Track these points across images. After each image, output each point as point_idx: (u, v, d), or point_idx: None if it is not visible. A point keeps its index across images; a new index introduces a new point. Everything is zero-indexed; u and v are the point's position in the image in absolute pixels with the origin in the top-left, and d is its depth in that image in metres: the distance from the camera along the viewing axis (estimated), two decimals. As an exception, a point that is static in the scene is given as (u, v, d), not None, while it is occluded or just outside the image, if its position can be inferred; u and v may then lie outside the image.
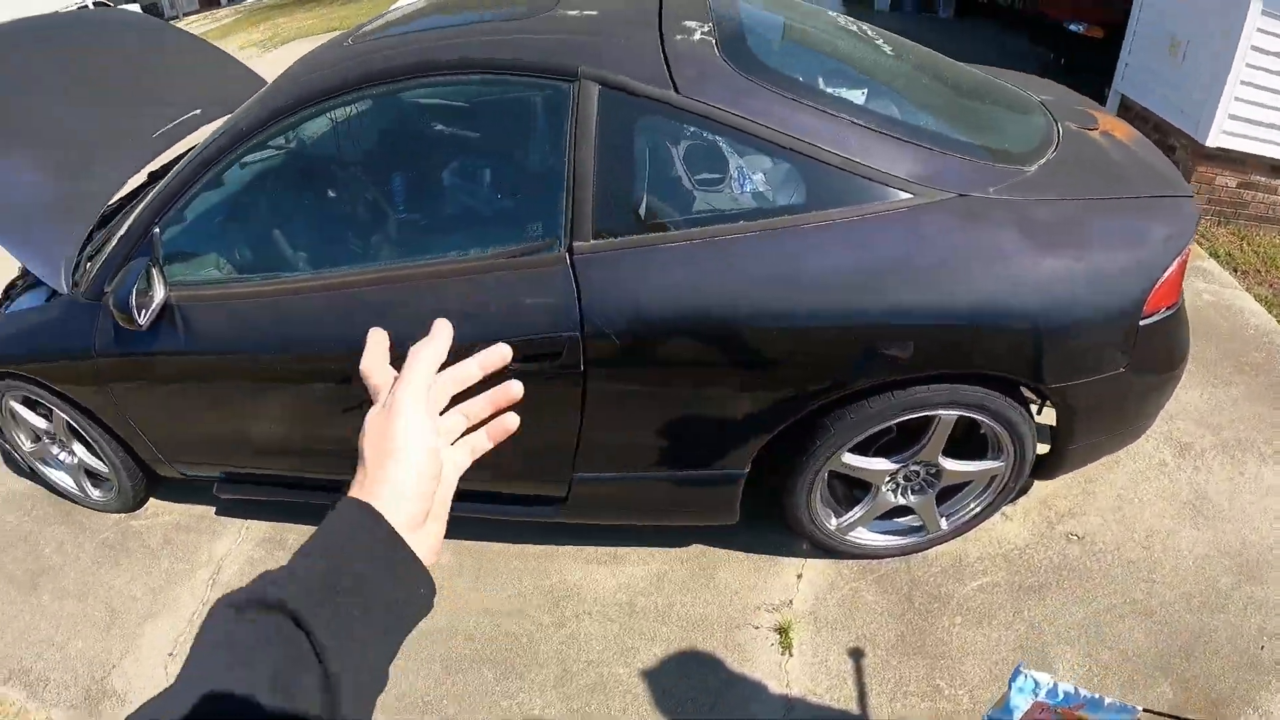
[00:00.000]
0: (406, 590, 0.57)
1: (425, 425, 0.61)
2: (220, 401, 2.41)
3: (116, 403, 2.49)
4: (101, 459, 2.77)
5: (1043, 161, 2.19)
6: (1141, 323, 2.05)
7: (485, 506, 2.36)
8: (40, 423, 2.81)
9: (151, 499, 3.03)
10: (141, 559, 2.82)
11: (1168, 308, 2.14)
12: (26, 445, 2.95)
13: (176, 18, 23.95)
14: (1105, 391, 2.13)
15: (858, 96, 2.20)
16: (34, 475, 3.14)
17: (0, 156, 2.61)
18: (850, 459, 2.16)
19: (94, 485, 2.97)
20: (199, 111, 3.08)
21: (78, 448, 2.84)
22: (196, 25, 19.50)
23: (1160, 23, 4.55)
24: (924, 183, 1.96)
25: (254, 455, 2.54)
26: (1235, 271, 3.97)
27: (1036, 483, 2.62)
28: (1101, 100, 5.15)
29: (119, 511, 3.00)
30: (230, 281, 2.29)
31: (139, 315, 2.12)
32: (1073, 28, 6.51)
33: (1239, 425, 3.01)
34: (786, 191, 1.99)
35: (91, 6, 19.73)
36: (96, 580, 2.78)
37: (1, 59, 2.93)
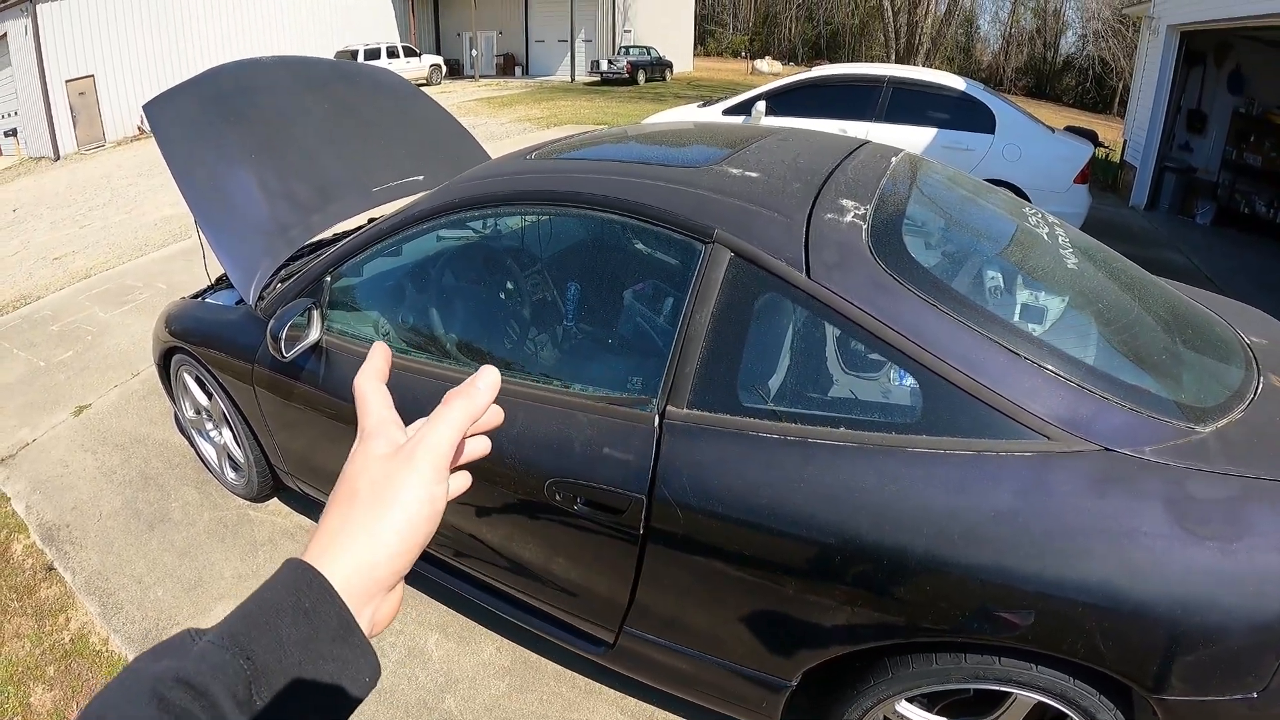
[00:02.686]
0: (347, 679, 0.47)
1: (439, 489, 0.53)
2: (338, 442, 2.48)
3: (260, 408, 2.66)
4: (240, 449, 2.96)
5: (1224, 422, 1.79)
6: None
7: (541, 624, 2.24)
8: (203, 399, 3.10)
9: (276, 499, 3.19)
10: (243, 546, 2.97)
11: (1334, 629, 1.66)
12: (189, 413, 3.27)
13: (474, 77, 26.30)
14: (1230, 713, 1.68)
15: (1016, 311, 1.91)
16: (190, 440, 3.41)
17: (237, 170, 2.86)
18: (906, 709, 1.84)
19: (231, 468, 3.18)
20: (421, 177, 3.26)
21: (225, 432, 3.06)
22: (486, 90, 21.47)
23: None
24: (1064, 426, 1.64)
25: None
26: None
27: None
28: None
29: (244, 498, 3.19)
30: (369, 343, 2.35)
31: (285, 348, 2.29)
32: None
33: None
34: (902, 406, 1.74)
35: (385, 53, 22.02)
36: (200, 548, 2.97)
37: (266, 84, 3.23)
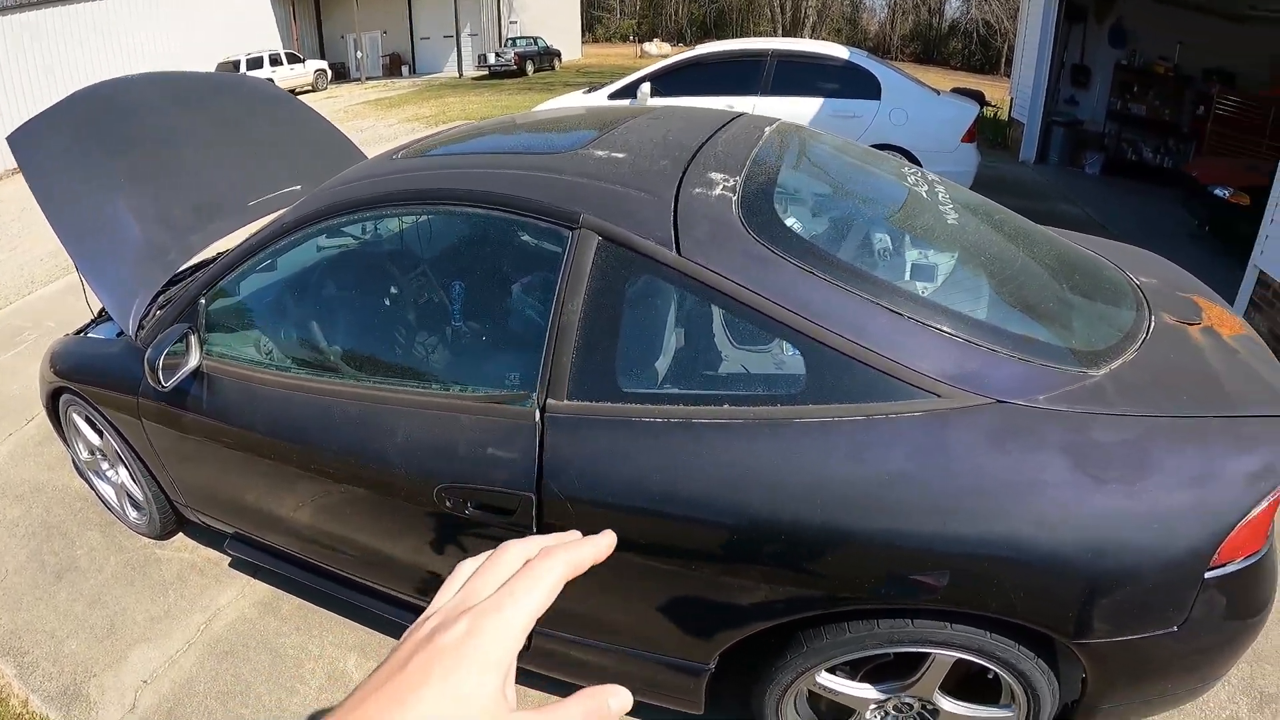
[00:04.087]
0: None
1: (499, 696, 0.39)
2: (232, 469, 2.33)
3: (150, 442, 2.49)
4: (138, 487, 2.79)
5: (1117, 364, 1.75)
6: (1207, 575, 1.58)
7: None
8: (95, 438, 2.90)
9: (181, 534, 3.01)
10: (153, 587, 2.80)
11: (1246, 557, 1.65)
12: (83, 454, 3.07)
13: (360, 80, 25.45)
14: (1153, 649, 1.65)
15: (896, 270, 1.85)
16: (89, 482, 3.22)
17: (110, 197, 2.66)
18: (827, 680, 1.77)
19: (133, 507, 3.00)
20: (299, 187, 3.08)
21: (121, 471, 2.88)
22: (374, 92, 20.84)
23: None
24: (954, 383, 1.59)
25: (257, 524, 2.45)
26: None
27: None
28: (1240, 276, 4.43)
29: (149, 537, 3.01)
30: (253, 363, 2.21)
31: (164, 377, 2.12)
32: (1218, 193, 5.75)
33: (1352, 675, 2.37)
34: (786, 378, 1.66)
35: (267, 60, 21.04)
36: (110, 593, 2.79)
37: (136, 105, 3.02)
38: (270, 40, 24.95)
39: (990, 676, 1.75)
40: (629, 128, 2.10)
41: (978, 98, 7.85)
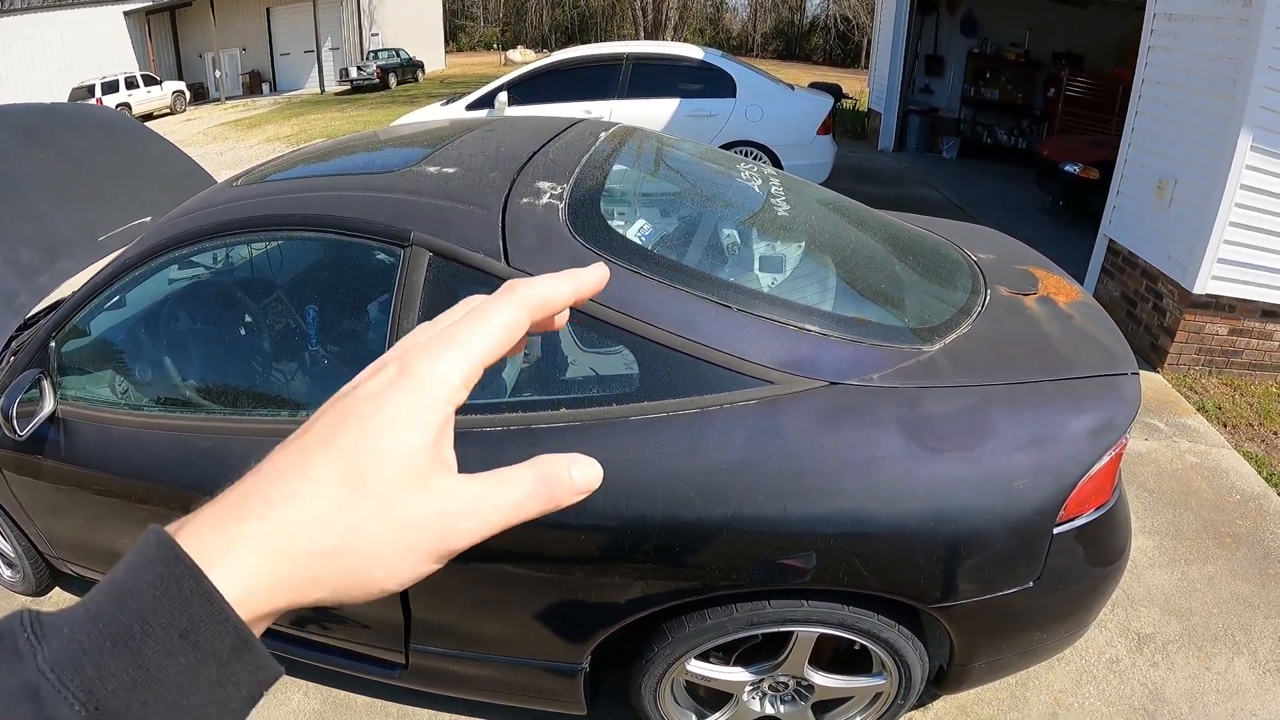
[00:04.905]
0: (235, 701, 0.30)
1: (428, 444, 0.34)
2: (100, 516, 2.26)
3: (14, 494, 2.41)
4: (7, 542, 2.69)
5: (951, 338, 1.83)
6: (1056, 530, 1.66)
7: (338, 660, 2.11)
8: None
9: (59, 588, 2.92)
10: None
11: (1095, 509, 1.74)
12: None
13: (219, 100, 24.69)
14: (1012, 606, 1.72)
15: (726, 264, 1.90)
16: None
17: None
18: (697, 667, 1.81)
19: (4, 565, 2.88)
20: (150, 218, 3.01)
21: None
22: (234, 112, 20.26)
23: (1148, 163, 4.05)
24: (786, 369, 1.64)
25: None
26: (1225, 427, 3.42)
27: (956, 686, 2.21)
28: (1092, 245, 4.67)
29: (25, 595, 2.89)
30: (108, 405, 2.16)
31: (18, 426, 2.04)
32: (1068, 169, 6.06)
33: (1213, 610, 2.50)
34: (620, 377, 1.69)
35: (124, 84, 20.28)
36: None
37: None
38: (126, 62, 23.70)
39: (858, 648, 1.81)
40: (464, 142, 2.11)
41: (834, 91, 8.14)
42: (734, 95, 6.60)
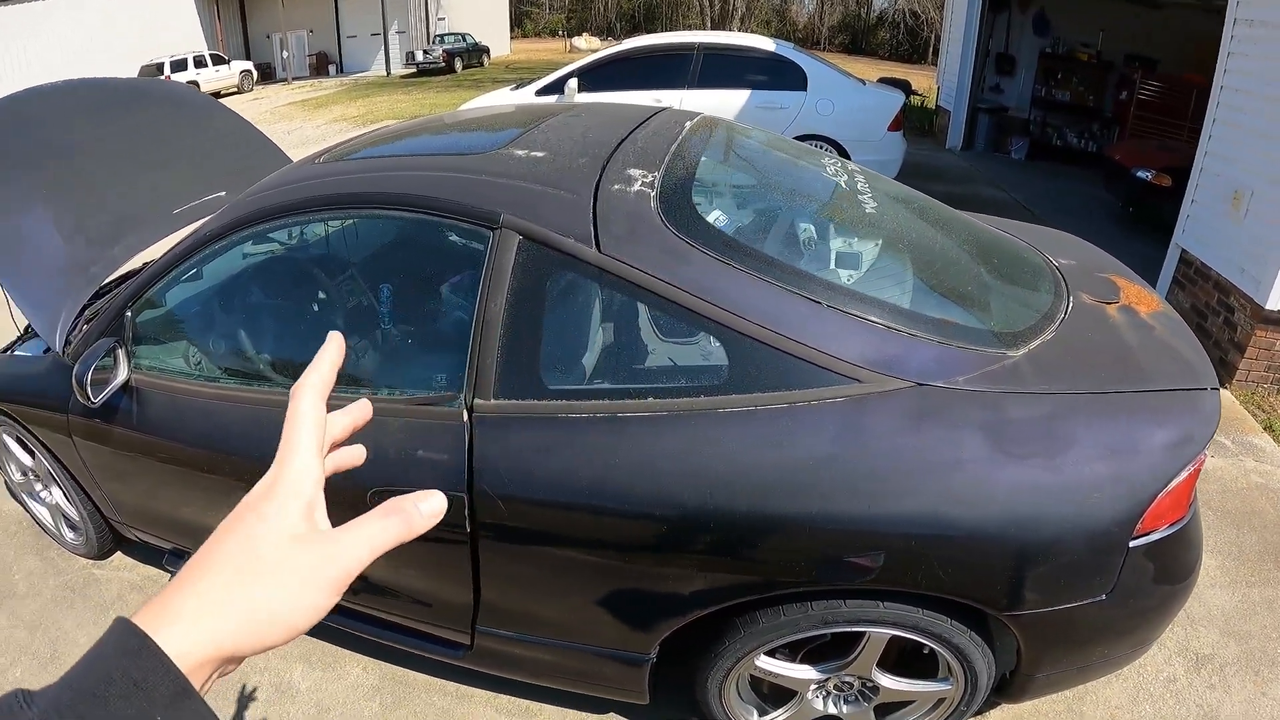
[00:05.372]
0: None
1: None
2: (167, 484, 2.31)
3: (83, 460, 2.46)
4: (73, 506, 2.75)
5: (1036, 344, 1.82)
6: (1132, 544, 1.65)
7: (399, 637, 2.14)
8: (27, 459, 2.84)
9: (120, 553, 2.98)
10: (94, 608, 2.76)
11: (1170, 525, 1.72)
12: (16, 476, 3.00)
13: (286, 80, 25.07)
14: (1083, 618, 1.71)
15: (817, 260, 1.90)
16: (23, 504, 3.16)
17: (30, 210, 2.62)
18: (766, 663, 1.82)
19: (68, 528, 2.95)
20: (224, 194, 3.05)
21: (55, 491, 2.83)
22: (300, 92, 20.45)
23: (1224, 172, 3.97)
24: (874, 368, 1.63)
25: (195, 540, 2.43)
26: None
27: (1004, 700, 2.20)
28: (1164, 253, 4.60)
29: (86, 558, 2.96)
30: (179, 374, 2.20)
31: (93, 393, 2.09)
32: (1140, 175, 5.95)
33: (1272, 635, 2.48)
34: (709, 369, 1.70)
35: (191, 62, 20.69)
36: (50, 618, 2.74)
37: (52, 115, 2.97)
38: (194, 41, 24.40)
39: (927, 651, 1.81)
40: (549, 126, 2.13)
41: (904, 87, 8.06)
42: (805, 88, 6.57)
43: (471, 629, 1.96)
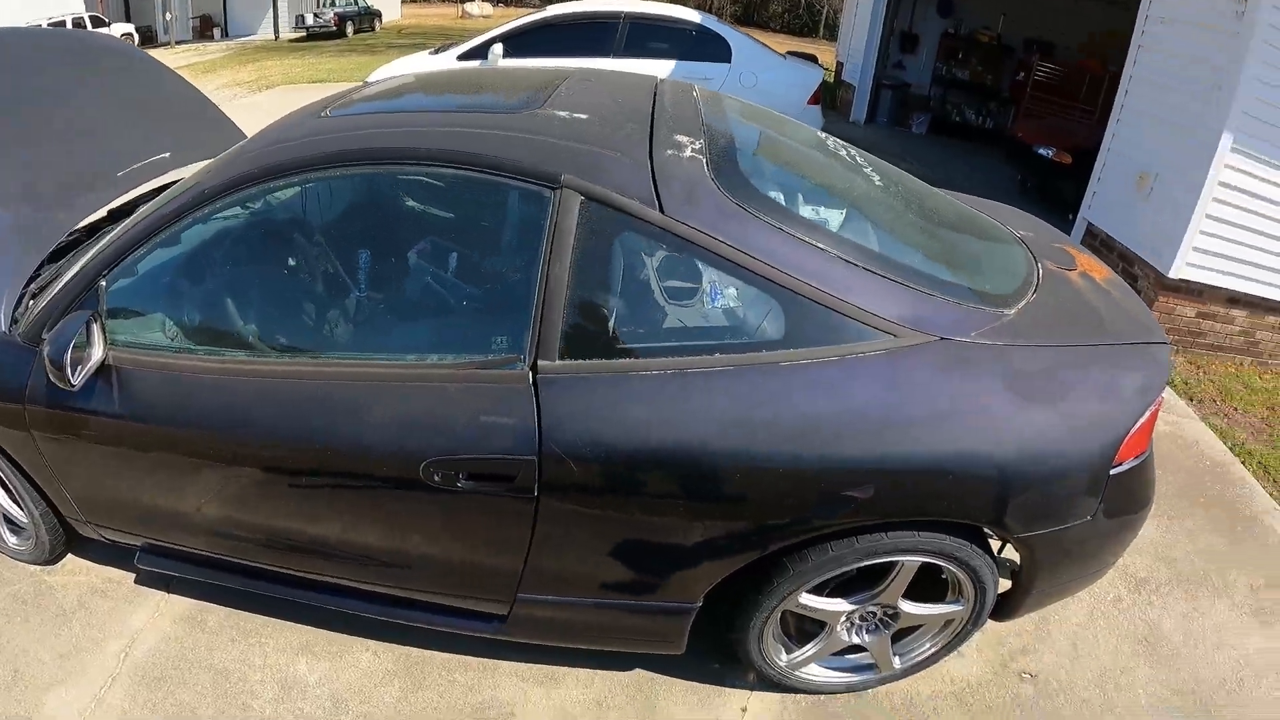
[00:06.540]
0: None
1: None
2: (151, 473, 2.19)
3: (42, 454, 2.26)
4: (21, 506, 2.53)
5: (1023, 304, 2.09)
6: (1112, 472, 1.95)
7: (423, 616, 2.16)
8: None
9: (70, 555, 2.77)
10: (52, 619, 2.54)
11: (1137, 456, 2.04)
12: None
13: (169, 44, 23.37)
14: (1072, 538, 2.02)
15: (844, 227, 2.08)
16: None
17: None
18: (808, 599, 2.01)
19: (12, 532, 2.71)
20: (168, 155, 2.89)
21: None
22: (185, 56, 19.02)
23: (1130, 154, 4.56)
24: (907, 324, 1.84)
25: (180, 531, 2.32)
26: (1191, 400, 3.95)
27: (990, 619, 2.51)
28: (1067, 226, 5.18)
29: (35, 564, 2.73)
30: (174, 350, 2.09)
31: (73, 374, 1.93)
32: (1042, 152, 6.63)
33: (1194, 559, 2.94)
34: (766, 326, 1.85)
35: (71, 24, 19.03)
36: (3, 635, 2.50)
37: None
38: (72, 3, 22.19)
39: (943, 576, 2.05)
40: (571, 89, 2.19)
41: (813, 61, 8.51)
42: (729, 61, 6.80)
43: (513, 597, 2.02)
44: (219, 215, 2.10)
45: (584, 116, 1.98)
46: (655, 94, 2.24)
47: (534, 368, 1.77)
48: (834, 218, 2.11)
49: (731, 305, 1.91)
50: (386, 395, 1.86)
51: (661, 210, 1.77)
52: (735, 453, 1.74)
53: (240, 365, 2.02)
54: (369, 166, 1.94)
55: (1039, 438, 1.87)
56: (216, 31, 26.37)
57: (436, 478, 1.82)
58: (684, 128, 1.99)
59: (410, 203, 2.22)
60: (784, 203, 1.98)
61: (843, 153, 2.52)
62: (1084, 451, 1.91)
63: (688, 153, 1.88)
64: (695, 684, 2.28)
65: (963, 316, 1.92)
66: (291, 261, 2.26)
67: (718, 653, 2.23)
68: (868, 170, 2.43)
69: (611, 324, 1.79)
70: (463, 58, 6.82)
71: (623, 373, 1.75)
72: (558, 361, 1.76)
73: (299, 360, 1.98)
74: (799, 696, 2.27)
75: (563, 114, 1.98)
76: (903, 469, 1.78)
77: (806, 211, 2.06)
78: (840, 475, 1.77)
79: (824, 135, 2.67)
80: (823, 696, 2.28)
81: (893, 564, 1.97)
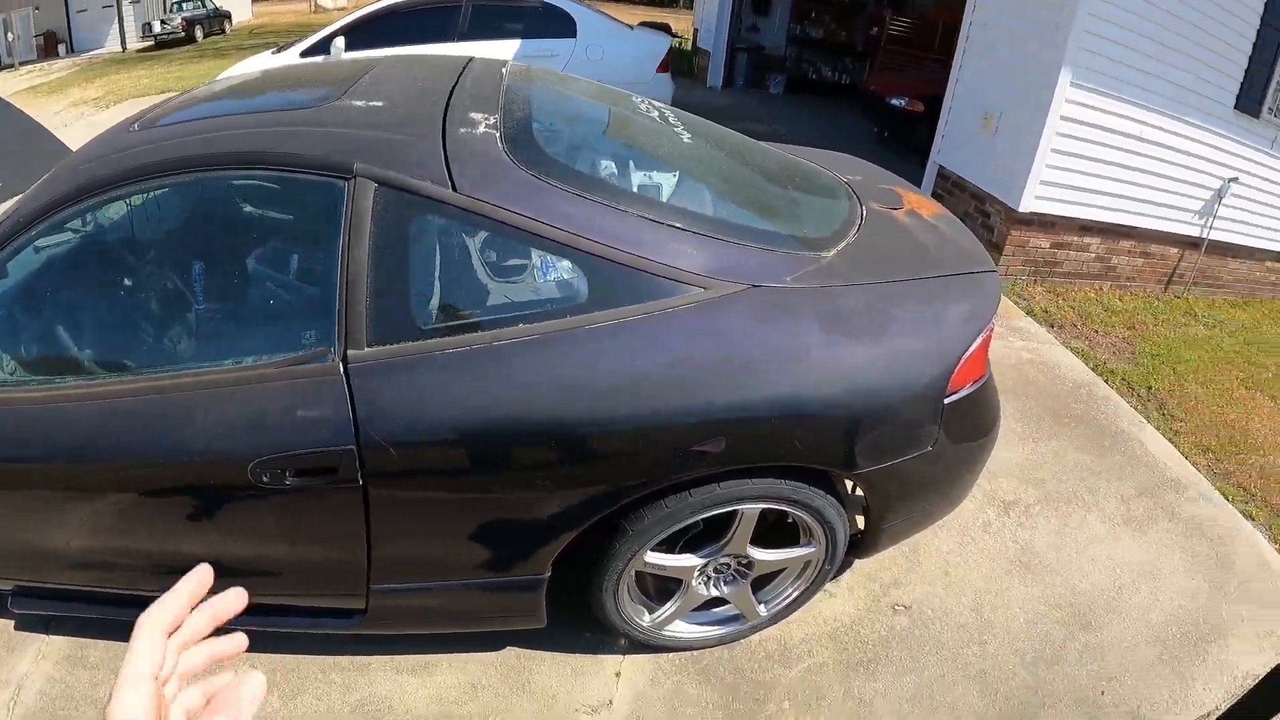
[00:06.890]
0: None
1: None
2: (2, 514, 2.16)
3: None
4: None
5: (842, 246, 2.17)
6: (946, 401, 2.04)
7: (285, 620, 2.17)
8: None
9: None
10: None
11: (973, 383, 2.14)
12: None
13: (13, 66, 22.48)
14: (915, 470, 2.11)
15: (650, 187, 2.14)
16: None
17: None
18: (653, 558, 2.06)
19: None
20: (2, 184, 2.83)
21: None
22: (29, 78, 18.28)
23: (974, 98, 4.75)
24: (716, 275, 1.90)
25: (45, 568, 2.28)
26: (1052, 327, 4.12)
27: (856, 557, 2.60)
28: (921, 171, 5.35)
29: None
30: (10, 384, 2.06)
31: None
32: (895, 103, 6.87)
33: (1062, 478, 3.07)
34: (572, 292, 1.89)
35: None
36: None
37: None
38: None
39: (790, 521, 2.12)
40: (375, 78, 2.21)
41: (665, 30, 8.62)
42: (574, 35, 6.86)
43: (367, 590, 2.04)
44: (34, 243, 2.07)
45: (379, 104, 2.00)
46: (460, 75, 2.26)
47: (344, 358, 1.78)
48: (639, 179, 2.16)
49: (536, 276, 1.94)
50: (212, 402, 1.85)
51: (455, 189, 1.79)
52: (551, 421, 1.79)
53: (73, 391, 1.98)
54: (173, 177, 1.93)
55: (862, 374, 1.95)
56: (62, 48, 25.20)
57: (265, 478, 1.83)
58: (480, 105, 2.02)
59: (218, 209, 2.21)
60: (586, 169, 2.03)
61: (654, 114, 2.57)
62: (912, 383, 2.00)
63: (480, 129, 1.91)
64: (568, 655, 2.33)
65: (776, 262, 1.99)
66: (108, 280, 2.24)
67: (588, 622, 2.27)
68: (679, 129, 2.49)
69: (416, 307, 1.82)
70: (305, 54, 6.70)
71: (432, 353, 1.78)
72: (366, 349, 1.78)
73: (126, 378, 1.96)
74: (671, 655, 2.34)
75: (359, 103, 2.00)
76: (725, 418, 1.84)
77: (611, 175, 2.10)
78: (662, 430, 1.82)
79: (638, 99, 2.72)
80: (695, 652, 2.34)
81: (734, 514, 2.03)
